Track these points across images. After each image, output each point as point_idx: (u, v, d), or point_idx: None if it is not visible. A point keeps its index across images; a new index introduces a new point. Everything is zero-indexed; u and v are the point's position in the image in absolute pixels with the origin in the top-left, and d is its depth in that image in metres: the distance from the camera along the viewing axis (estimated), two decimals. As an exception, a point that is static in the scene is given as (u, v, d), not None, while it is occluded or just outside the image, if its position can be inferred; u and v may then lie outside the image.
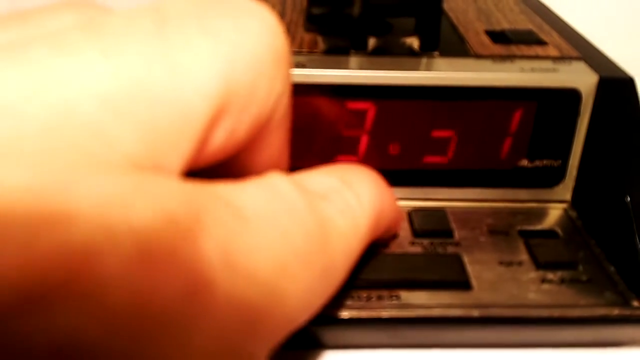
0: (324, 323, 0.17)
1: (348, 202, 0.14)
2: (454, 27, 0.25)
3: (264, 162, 0.14)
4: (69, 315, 0.08)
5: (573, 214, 0.22)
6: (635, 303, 0.18)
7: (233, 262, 0.09)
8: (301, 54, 0.21)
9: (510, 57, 0.22)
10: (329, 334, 0.18)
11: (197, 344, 0.09)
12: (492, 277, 0.19)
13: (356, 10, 0.21)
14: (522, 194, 0.22)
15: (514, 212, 0.22)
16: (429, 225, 0.21)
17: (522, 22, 0.26)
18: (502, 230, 0.21)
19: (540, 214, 0.22)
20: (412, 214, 0.21)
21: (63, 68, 0.09)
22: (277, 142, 0.14)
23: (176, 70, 0.10)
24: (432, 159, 0.22)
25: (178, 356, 0.08)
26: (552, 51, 0.22)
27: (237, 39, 0.11)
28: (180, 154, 0.10)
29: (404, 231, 0.21)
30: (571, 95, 0.21)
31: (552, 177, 0.22)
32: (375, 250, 0.19)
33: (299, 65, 0.20)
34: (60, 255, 0.07)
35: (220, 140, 0.11)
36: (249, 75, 0.12)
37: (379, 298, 0.18)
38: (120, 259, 0.08)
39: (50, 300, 0.07)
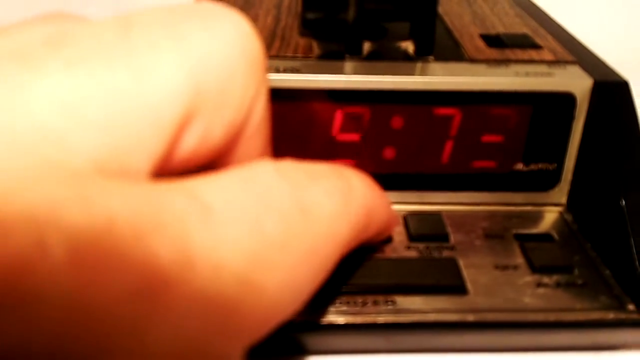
0: (319, 329, 0.17)
1: (338, 186, 0.14)
2: (448, 32, 0.25)
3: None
4: (12, 325, 0.08)
5: (569, 217, 0.22)
6: (631, 307, 0.18)
7: (194, 258, 0.09)
8: (296, 59, 0.21)
9: (505, 62, 0.22)
10: (324, 340, 0.18)
11: (156, 343, 0.09)
12: (488, 281, 0.19)
13: (350, 15, 0.21)
14: (518, 197, 0.22)
15: (509, 216, 0.22)
16: (424, 229, 0.21)
17: (518, 25, 0.26)
18: (498, 234, 0.21)
19: (536, 218, 0.22)
20: (407, 218, 0.21)
21: (23, 79, 0.09)
22: (256, 147, 0.14)
23: (141, 73, 0.10)
24: (427, 163, 0.22)
25: (136, 357, 0.09)
26: (547, 55, 0.22)
27: (206, 42, 0.12)
28: (148, 156, 0.10)
29: (400, 235, 0.21)
30: (566, 99, 0.21)
31: (547, 181, 0.22)
32: (371, 255, 0.19)
33: (294, 70, 0.21)
34: None
35: (193, 143, 0.12)
36: (220, 78, 0.12)
37: (375, 303, 0.18)
38: (51, 265, 0.08)
39: None
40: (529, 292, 0.18)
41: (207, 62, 0.12)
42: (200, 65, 0.11)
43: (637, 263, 0.18)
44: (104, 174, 0.10)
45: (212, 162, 0.13)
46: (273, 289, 0.11)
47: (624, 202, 0.19)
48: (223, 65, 0.12)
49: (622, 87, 0.21)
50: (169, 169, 0.12)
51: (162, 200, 0.09)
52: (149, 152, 0.10)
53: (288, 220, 0.11)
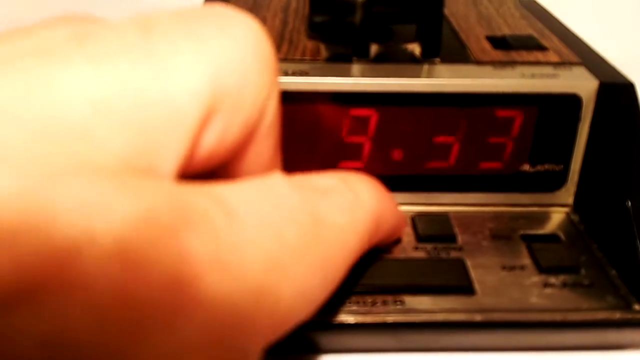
0: (330, 328, 0.17)
1: (347, 199, 0.14)
2: (455, 33, 0.25)
3: (256, 169, 0.14)
4: (53, 311, 0.08)
5: (575, 218, 0.22)
6: (637, 307, 0.18)
7: (222, 259, 0.09)
8: (304, 61, 0.22)
9: (511, 63, 0.22)
10: (335, 339, 0.18)
11: (185, 336, 0.09)
12: (495, 282, 0.19)
13: (357, 18, 0.21)
14: (525, 198, 0.22)
15: (516, 217, 0.22)
16: (432, 230, 0.21)
17: (523, 27, 0.26)
18: (505, 234, 0.21)
19: (543, 218, 0.22)
20: (415, 219, 0.22)
21: (51, 75, 0.10)
22: (267, 149, 0.14)
23: (163, 72, 0.11)
24: (434, 165, 0.22)
25: (167, 347, 0.09)
26: (552, 57, 0.23)
27: (222, 44, 0.12)
28: (174, 154, 0.11)
29: (408, 236, 0.21)
30: (572, 101, 0.21)
31: (554, 182, 0.22)
32: (380, 255, 0.20)
33: (302, 73, 0.21)
34: (42, 255, 0.08)
35: (212, 142, 0.12)
36: (236, 78, 0.12)
37: (384, 303, 0.18)
38: (98, 256, 0.08)
39: (35, 297, 0.08)
40: (536, 292, 0.18)
41: (224, 63, 0.12)
42: (218, 65, 0.12)
43: (643, 263, 0.18)
44: (132, 172, 0.10)
45: (227, 164, 0.14)
46: (289, 295, 0.11)
47: (629, 204, 0.19)
48: (238, 66, 0.12)
49: (627, 89, 0.21)
50: (190, 171, 0.12)
51: (190, 200, 0.10)
52: (174, 152, 0.11)
53: (304, 230, 0.12)
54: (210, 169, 0.13)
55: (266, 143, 0.14)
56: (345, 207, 0.14)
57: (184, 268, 0.09)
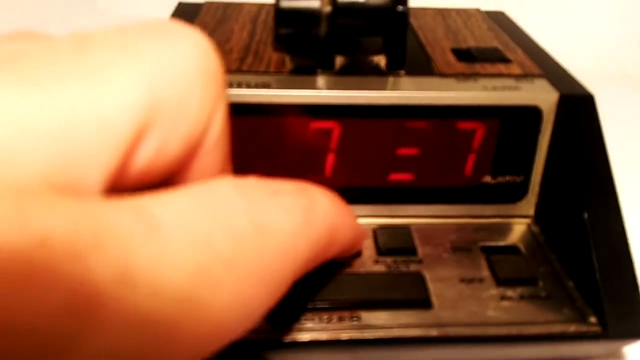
0: (284, 346, 0.17)
1: (300, 202, 0.14)
2: (421, 45, 0.25)
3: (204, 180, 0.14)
4: None
5: (536, 229, 0.22)
6: (592, 319, 0.18)
7: (134, 275, 0.09)
8: (268, 73, 0.22)
9: (474, 76, 0.22)
10: (289, 357, 0.18)
11: (94, 358, 0.09)
12: (453, 295, 0.19)
13: (322, 30, 0.21)
14: (486, 209, 0.23)
15: (478, 228, 0.22)
16: (393, 243, 0.21)
17: (489, 39, 0.26)
18: (465, 246, 0.21)
19: (504, 230, 0.22)
20: (377, 231, 0.22)
21: None
22: (214, 162, 0.14)
23: (94, 87, 0.11)
24: (397, 177, 0.22)
25: None
26: (515, 69, 0.23)
27: (163, 57, 0.12)
28: (100, 169, 0.11)
29: (369, 250, 0.21)
30: (532, 113, 0.21)
31: (515, 193, 0.22)
32: (339, 270, 0.20)
33: (265, 85, 0.21)
34: None
35: (148, 156, 0.12)
36: (177, 92, 0.12)
37: (340, 319, 0.18)
38: None
39: None
40: (493, 305, 0.19)
41: (163, 76, 0.12)
42: (156, 79, 0.12)
43: (598, 276, 0.18)
44: (54, 189, 0.10)
45: (170, 176, 0.13)
46: (220, 306, 0.11)
47: (586, 215, 0.19)
48: (180, 80, 0.12)
49: (587, 101, 0.21)
50: (125, 184, 0.12)
51: (106, 217, 0.10)
52: (101, 166, 0.11)
53: (240, 237, 0.12)
54: (151, 182, 0.13)
55: (213, 157, 0.14)
56: (297, 210, 0.14)
57: (83, 291, 0.09)
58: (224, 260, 0.11)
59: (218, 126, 0.14)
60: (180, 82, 0.12)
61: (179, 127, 0.12)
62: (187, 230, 0.11)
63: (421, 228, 0.22)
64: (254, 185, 0.13)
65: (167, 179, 0.13)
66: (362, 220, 0.22)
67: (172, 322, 0.10)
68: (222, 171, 0.15)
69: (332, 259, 0.17)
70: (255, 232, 0.12)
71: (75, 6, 0.58)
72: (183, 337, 0.10)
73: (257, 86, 0.21)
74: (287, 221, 0.13)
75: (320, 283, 0.19)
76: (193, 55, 0.13)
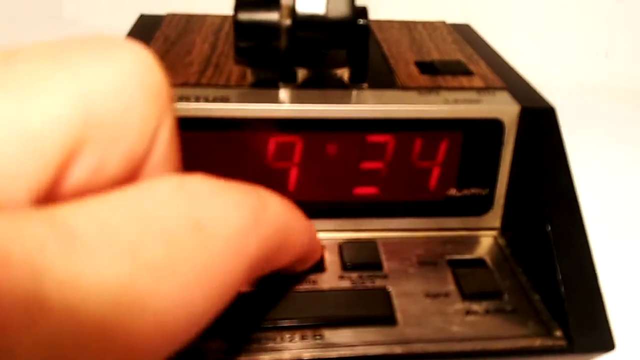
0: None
1: (250, 200, 0.13)
2: (385, 58, 0.25)
3: None
4: None
5: (502, 241, 0.22)
6: (558, 333, 0.18)
7: (47, 291, 0.09)
8: (228, 87, 0.21)
9: (436, 89, 0.22)
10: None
11: None
12: (418, 311, 0.19)
13: (283, 43, 0.21)
14: (453, 222, 0.22)
15: (444, 241, 0.22)
16: (358, 258, 0.21)
17: (453, 52, 0.26)
18: (432, 260, 0.21)
19: (471, 243, 0.22)
20: (342, 246, 0.21)
21: None
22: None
23: (20, 101, 0.10)
24: (362, 191, 0.22)
25: None
26: (477, 82, 0.23)
27: (98, 72, 0.11)
28: (26, 185, 0.10)
29: (334, 265, 0.20)
30: (494, 126, 0.21)
31: (480, 206, 0.22)
32: (302, 287, 0.19)
33: (224, 99, 0.20)
34: None
35: (84, 173, 0.11)
36: (115, 108, 0.12)
37: (302, 338, 0.17)
38: None
39: None
40: (458, 321, 0.18)
41: (99, 91, 0.11)
42: (91, 94, 0.11)
43: (562, 289, 0.18)
44: None
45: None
46: (155, 312, 0.10)
47: (549, 228, 0.19)
48: (118, 95, 0.12)
49: (548, 113, 0.21)
50: (61, 200, 0.11)
51: (17, 230, 0.09)
52: (27, 182, 0.10)
53: (176, 239, 0.11)
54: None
55: (161, 172, 0.14)
56: (246, 207, 0.13)
57: None
58: (156, 267, 0.10)
59: (165, 142, 0.13)
60: (119, 97, 0.12)
61: (118, 144, 0.12)
62: (109, 239, 0.10)
63: (387, 242, 0.22)
64: (199, 182, 0.13)
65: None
66: (328, 235, 0.22)
67: (101, 335, 0.09)
68: None
69: (288, 265, 0.17)
70: (194, 232, 0.11)
71: (41, 18, 0.57)
72: (118, 347, 0.10)
73: (215, 100, 0.20)
74: (234, 218, 0.12)
75: (283, 300, 0.18)
76: (133, 69, 0.12)
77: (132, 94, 0.12)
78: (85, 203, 0.10)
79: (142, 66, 0.12)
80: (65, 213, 0.10)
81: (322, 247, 0.20)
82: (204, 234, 0.12)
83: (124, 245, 0.10)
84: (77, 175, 0.11)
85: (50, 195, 0.11)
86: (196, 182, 0.13)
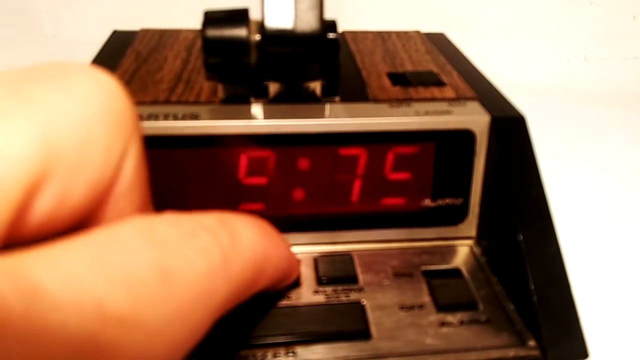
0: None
1: (219, 241, 0.13)
2: (358, 70, 0.25)
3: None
4: None
5: (478, 250, 0.22)
6: (532, 343, 0.18)
7: (11, 344, 0.09)
8: (198, 104, 0.21)
9: (407, 101, 0.22)
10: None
11: None
12: (392, 324, 0.19)
13: (253, 58, 0.21)
14: (428, 233, 0.22)
15: (420, 252, 0.22)
16: (333, 272, 0.21)
17: (426, 62, 0.26)
18: (407, 272, 0.21)
19: (447, 252, 0.22)
20: (317, 260, 0.21)
21: None
22: (131, 204, 0.13)
23: None
24: (336, 204, 0.22)
25: None
26: (448, 92, 0.23)
27: (59, 104, 0.11)
28: None
29: (308, 280, 0.20)
30: (465, 136, 0.21)
31: (455, 215, 0.22)
32: (275, 303, 0.19)
33: (193, 116, 0.20)
34: None
35: (47, 207, 0.11)
36: (77, 138, 0.11)
37: (275, 356, 0.17)
38: None
39: None
40: (432, 333, 0.18)
41: (60, 124, 0.11)
42: (51, 128, 0.11)
43: (535, 298, 0.18)
44: None
45: (81, 222, 0.13)
46: None
47: (521, 237, 0.19)
48: (78, 125, 0.12)
49: (518, 122, 0.22)
50: (25, 235, 0.11)
51: None
52: None
53: (142, 289, 0.11)
54: (60, 228, 0.12)
55: (128, 199, 0.13)
56: (214, 250, 0.13)
57: None
58: (121, 318, 0.10)
59: (131, 168, 0.13)
60: (79, 127, 0.12)
61: (81, 174, 0.12)
62: (74, 291, 0.10)
63: (363, 254, 0.22)
64: (166, 226, 0.13)
65: (77, 224, 0.12)
66: (303, 249, 0.22)
67: None
68: (141, 212, 0.14)
69: (264, 290, 0.17)
70: (160, 281, 0.11)
71: (21, 33, 0.57)
72: None
73: (184, 117, 0.20)
74: (201, 264, 0.13)
75: (255, 318, 0.18)
76: (94, 97, 0.12)
77: (94, 122, 0.12)
78: (48, 251, 0.10)
79: (104, 93, 0.12)
80: (28, 264, 0.10)
81: (299, 265, 0.20)
82: (170, 282, 0.12)
83: (89, 297, 0.10)
84: (40, 208, 0.11)
85: (13, 231, 0.10)
86: (163, 228, 0.12)
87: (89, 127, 0.12)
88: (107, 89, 0.13)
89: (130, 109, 0.13)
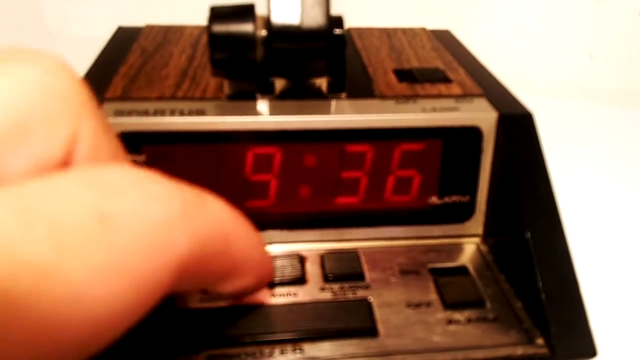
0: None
1: (181, 193, 0.12)
2: (364, 67, 0.25)
3: None
4: None
5: (484, 248, 0.22)
6: (540, 341, 0.18)
7: None
8: (204, 100, 0.21)
9: (414, 97, 0.22)
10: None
11: None
12: (399, 321, 0.18)
13: (259, 54, 0.21)
14: (434, 230, 0.22)
15: (427, 250, 0.22)
16: (340, 269, 0.20)
17: (432, 59, 0.26)
18: (414, 269, 0.21)
19: (453, 250, 0.22)
20: (324, 257, 0.21)
21: None
22: None
23: None
24: (343, 200, 0.22)
25: None
26: (455, 89, 0.23)
27: None
28: None
29: (315, 277, 0.20)
30: (472, 133, 0.21)
31: (462, 213, 0.22)
32: (282, 300, 0.19)
33: (200, 112, 0.20)
34: None
35: None
36: (13, 116, 0.12)
37: (282, 352, 0.17)
38: None
39: None
40: (439, 330, 0.18)
41: None
42: None
43: (543, 296, 0.18)
44: None
45: None
46: (58, 306, 0.10)
47: (529, 235, 0.19)
48: (16, 104, 0.12)
49: (526, 119, 0.21)
50: None
51: None
52: None
53: (69, 234, 0.10)
54: None
55: None
56: (174, 200, 0.12)
57: None
58: (39, 267, 0.09)
59: (87, 143, 0.13)
60: (18, 105, 0.12)
61: (23, 150, 0.12)
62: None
63: (369, 252, 0.21)
64: (118, 173, 0.12)
65: None
66: (309, 246, 0.22)
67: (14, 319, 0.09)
68: None
69: (235, 284, 0.15)
70: (97, 226, 0.10)
71: (24, 30, 0.57)
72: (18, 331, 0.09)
73: (190, 113, 0.20)
74: (153, 210, 0.11)
75: (262, 314, 0.18)
76: (34, 78, 0.12)
77: (34, 101, 0.12)
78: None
79: (44, 73, 0.12)
80: None
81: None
82: (110, 227, 0.11)
83: (6, 247, 0.09)
84: None
85: None
86: (114, 173, 0.12)
87: (27, 106, 0.12)
88: (48, 69, 0.13)
89: (76, 85, 0.13)
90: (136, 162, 0.20)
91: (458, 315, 0.19)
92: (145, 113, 0.20)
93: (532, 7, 0.53)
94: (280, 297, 0.19)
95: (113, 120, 0.19)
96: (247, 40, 0.20)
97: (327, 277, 0.20)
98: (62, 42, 0.57)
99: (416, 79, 0.23)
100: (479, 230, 0.23)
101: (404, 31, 0.30)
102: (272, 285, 0.20)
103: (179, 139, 0.20)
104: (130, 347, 0.16)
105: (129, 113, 0.20)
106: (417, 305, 0.19)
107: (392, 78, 0.24)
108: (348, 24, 0.23)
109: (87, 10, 0.56)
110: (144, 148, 0.20)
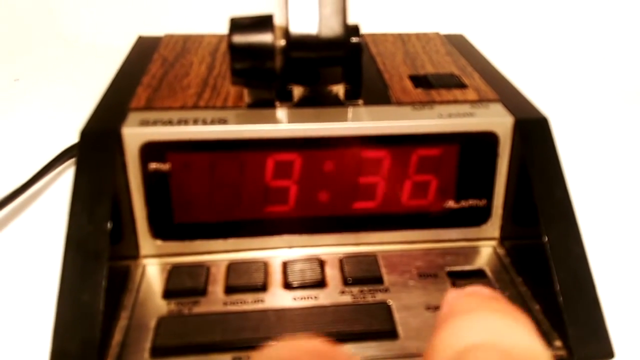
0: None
1: None
2: (379, 73, 0.25)
3: None
4: None
5: (501, 251, 0.22)
6: (558, 343, 0.18)
7: None
8: (225, 108, 0.22)
9: (430, 103, 0.22)
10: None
11: None
12: (418, 324, 0.19)
13: (278, 63, 0.21)
14: (452, 234, 0.23)
15: (444, 253, 0.22)
16: (359, 272, 0.21)
17: (447, 64, 0.26)
18: (432, 272, 0.21)
19: (470, 253, 0.22)
20: (343, 261, 0.22)
21: None
22: None
23: None
24: (361, 205, 0.22)
25: None
26: (471, 95, 0.23)
27: None
28: None
29: (335, 280, 0.21)
30: (489, 138, 0.21)
31: (479, 217, 0.23)
32: (303, 304, 0.19)
33: (222, 121, 0.21)
34: None
35: None
36: None
37: (305, 354, 0.18)
38: None
39: None
40: (459, 333, 0.18)
41: None
42: None
43: (560, 299, 0.18)
44: None
45: None
46: None
47: (546, 238, 0.19)
48: None
49: (542, 124, 0.22)
50: None
51: None
52: None
53: None
54: None
55: None
56: None
57: None
58: None
59: None
60: None
61: None
62: None
63: (387, 255, 0.22)
64: None
65: None
66: (328, 250, 0.22)
67: None
68: None
69: None
70: None
71: (41, 37, 0.58)
72: None
73: (213, 122, 0.20)
74: None
75: (284, 317, 0.19)
76: None
77: None
78: None
79: None
80: None
81: None
82: None
83: None
84: None
85: None
86: None
87: None
88: None
89: None
90: (160, 170, 0.20)
91: (476, 318, 0.19)
92: (170, 122, 0.20)
93: (545, 7, 0.53)
94: (301, 300, 0.20)
95: (138, 130, 0.20)
96: (267, 50, 0.21)
97: (347, 281, 0.21)
98: (79, 48, 0.58)
99: (432, 85, 0.24)
100: (496, 233, 0.23)
101: (418, 36, 0.30)
102: (292, 288, 0.20)
103: (202, 147, 0.20)
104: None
105: (154, 123, 0.20)
106: (436, 308, 0.19)
107: (408, 84, 0.24)
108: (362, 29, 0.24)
109: (102, 17, 0.57)
110: (168, 156, 0.20)
